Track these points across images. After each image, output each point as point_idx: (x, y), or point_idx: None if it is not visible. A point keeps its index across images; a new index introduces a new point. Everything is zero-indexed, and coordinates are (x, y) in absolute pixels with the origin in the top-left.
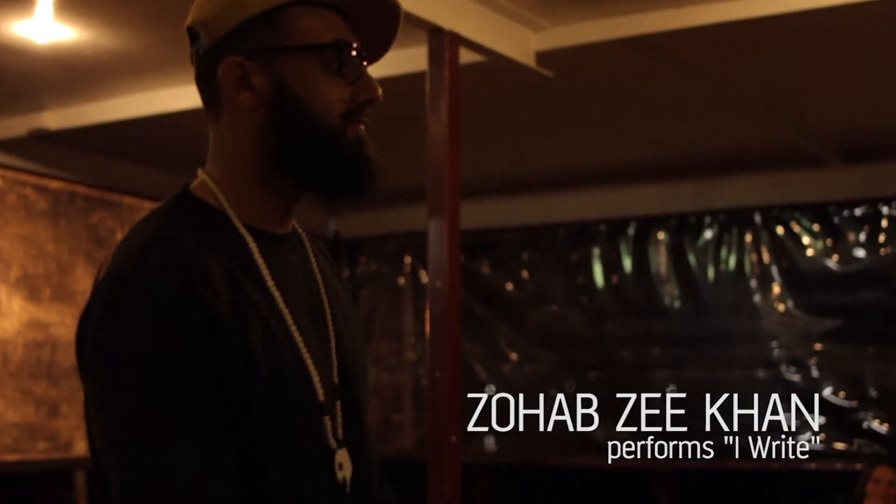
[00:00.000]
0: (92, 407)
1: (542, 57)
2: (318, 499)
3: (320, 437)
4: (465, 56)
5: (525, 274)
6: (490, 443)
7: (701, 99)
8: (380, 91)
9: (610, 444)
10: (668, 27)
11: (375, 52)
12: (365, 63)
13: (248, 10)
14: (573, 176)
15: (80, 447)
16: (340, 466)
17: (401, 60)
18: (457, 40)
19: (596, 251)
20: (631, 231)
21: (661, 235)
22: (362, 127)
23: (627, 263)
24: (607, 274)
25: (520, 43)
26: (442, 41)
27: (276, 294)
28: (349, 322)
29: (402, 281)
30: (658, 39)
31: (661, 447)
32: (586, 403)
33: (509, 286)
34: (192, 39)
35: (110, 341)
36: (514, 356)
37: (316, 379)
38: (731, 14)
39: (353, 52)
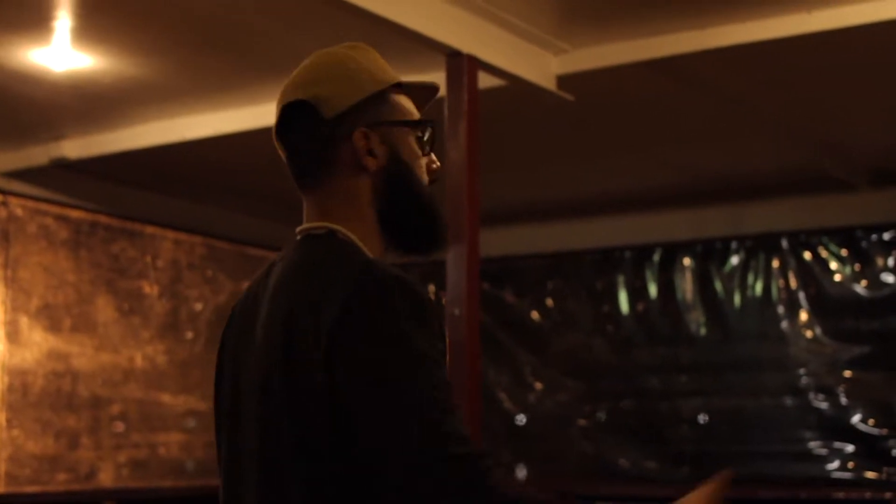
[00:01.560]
0: (359, 389)
1: (563, 81)
2: None
3: None
4: (485, 80)
5: (549, 301)
6: (521, 472)
7: (725, 122)
8: (439, 162)
9: (638, 472)
10: (692, 49)
11: None
12: None
13: (366, 90)
14: (597, 202)
15: (103, 478)
16: None
17: None
18: (476, 64)
19: (621, 278)
20: (656, 257)
21: (687, 262)
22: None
23: (653, 290)
24: (633, 301)
25: (540, 66)
26: (460, 65)
27: None
28: None
29: None
30: (681, 61)
31: (689, 476)
32: (613, 432)
33: (534, 314)
34: (299, 112)
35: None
36: (538, 385)
37: None
38: (754, 35)
39: (433, 128)
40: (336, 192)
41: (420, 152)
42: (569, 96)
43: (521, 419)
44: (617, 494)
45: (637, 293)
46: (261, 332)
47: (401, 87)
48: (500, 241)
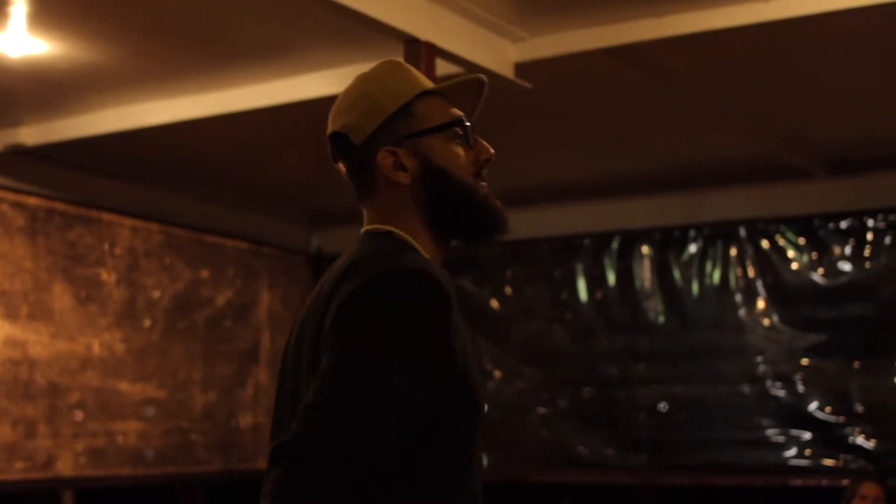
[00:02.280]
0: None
1: (521, 68)
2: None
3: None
4: (442, 67)
5: (508, 289)
6: (484, 461)
7: (683, 111)
8: (492, 150)
9: (596, 459)
10: (649, 36)
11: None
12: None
13: (388, 109)
14: (556, 190)
15: (61, 466)
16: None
17: None
18: (433, 51)
19: (580, 266)
20: (615, 245)
21: (646, 250)
22: (484, 184)
23: (612, 278)
24: (591, 289)
25: (498, 54)
26: (418, 52)
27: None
28: None
29: None
30: (639, 49)
31: (647, 463)
32: (572, 419)
33: (493, 302)
34: (338, 141)
35: (391, 317)
36: (497, 373)
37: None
38: (712, 23)
39: (468, 123)
40: (384, 206)
41: (460, 149)
42: (526, 84)
43: (493, 408)
44: (576, 481)
45: (595, 281)
46: (310, 316)
47: (434, 93)
48: None
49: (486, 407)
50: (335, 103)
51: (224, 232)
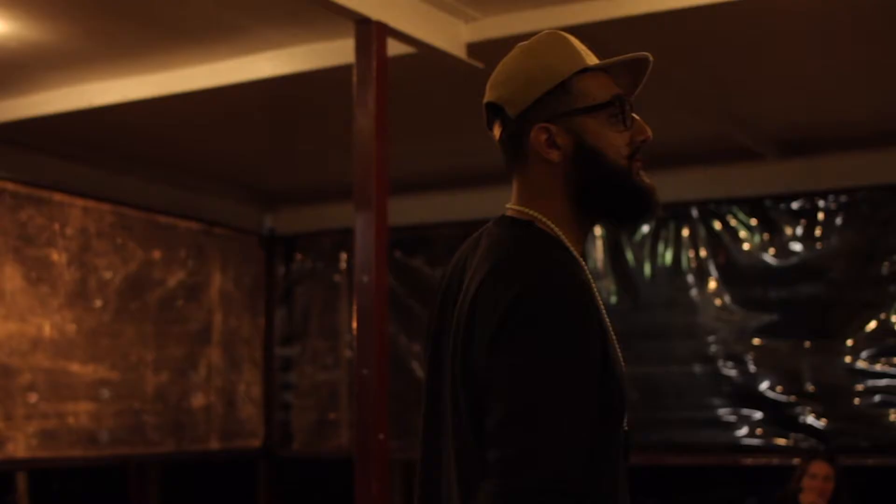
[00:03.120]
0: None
1: (473, 48)
2: (625, 470)
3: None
4: (395, 48)
5: None
6: None
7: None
8: (650, 131)
9: None
10: (599, 17)
11: (633, 92)
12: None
13: (545, 86)
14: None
15: (13, 448)
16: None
17: (328, 52)
18: (384, 31)
19: None
20: None
21: (598, 230)
22: (641, 164)
23: None
24: None
25: (450, 34)
26: (369, 32)
27: (601, 305)
28: None
29: (337, 278)
30: (589, 30)
31: None
32: None
33: None
34: (493, 112)
35: (544, 326)
36: None
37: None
38: (662, 5)
39: (628, 103)
40: (532, 181)
41: (617, 130)
42: (478, 64)
43: None
44: None
45: None
46: (460, 300)
47: (594, 70)
48: (413, 210)
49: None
50: (494, 72)
51: (176, 213)
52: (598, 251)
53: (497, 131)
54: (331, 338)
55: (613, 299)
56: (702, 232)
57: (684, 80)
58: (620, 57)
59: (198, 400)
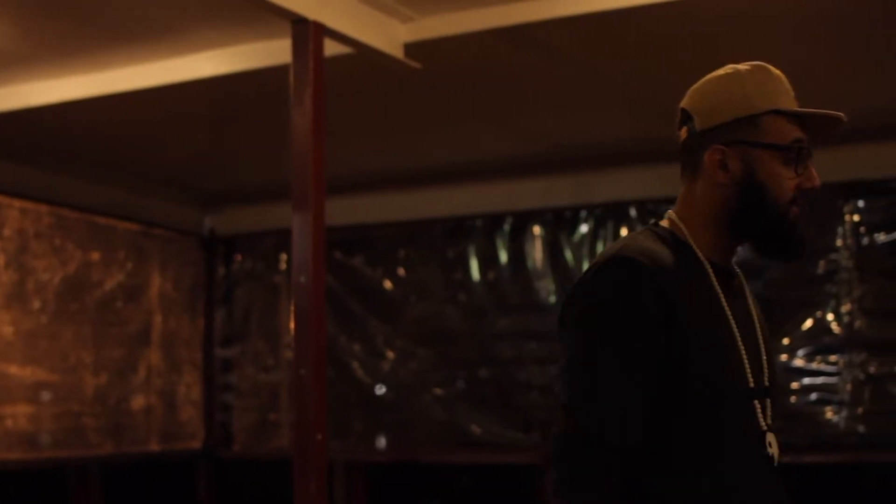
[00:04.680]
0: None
1: (410, 48)
2: (751, 461)
3: (751, 415)
4: (332, 48)
5: (401, 270)
6: (381, 442)
7: (575, 92)
8: (818, 182)
9: (490, 439)
10: (538, 17)
11: (818, 145)
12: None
13: (738, 112)
14: (448, 171)
15: None
16: (770, 444)
17: (266, 52)
18: (321, 31)
19: (472, 247)
20: (507, 226)
21: (537, 230)
22: (798, 210)
23: (504, 258)
24: (484, 269)
25: (387, 34)
26: (306, 32)
27: (723, 300)
28: (769, 340)
29: (278, 279)
30: (529, 30)
31: (540, 442)
32: (465, 399)
33: (386, 283)
34: (685, 117)
35: (595, 308)
36: (391, 354)
37: (748, 369)
38: (601, 4)
39: (808, 151)
40: (693, 193)
41: (788, 173)
42: (416, 64)
43: (380, 389)
44: (469, 461)
45: (488, 261)
46: None
47: (786, 113)
48: (352, 210)
49: (748, 384)
50: (701, 81)
51: (115, 213)
52: (538, 251)
53: (682, 136)
54: (271, 339)
55: (553, 299)
56: None
57: (623, 80)
58: (814, 111)
59: (137, 402)
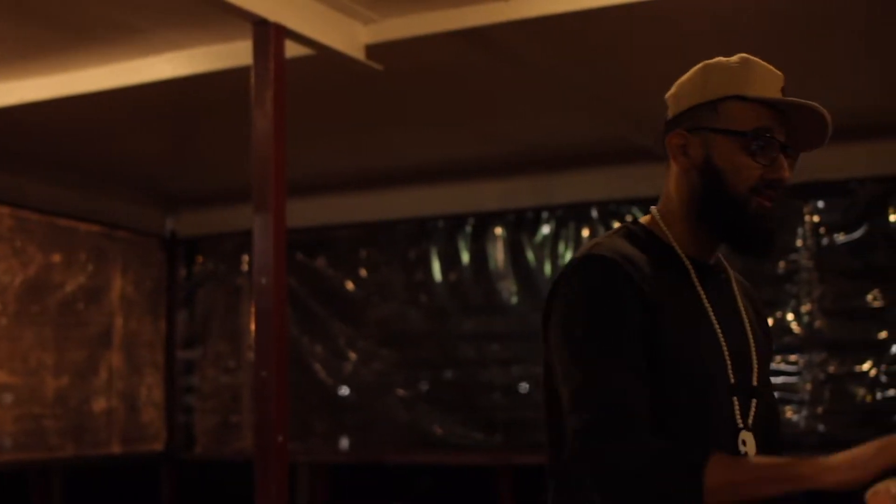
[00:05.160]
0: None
1: (371, 50)
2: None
3: (728, 411)
4: (293, 49)
5: (363, 271)
6: (345, 443)
7: (536, 94)
8: (787, 174)
9: (453, 440)
10: (498, 20)
11: (809, 144)
12: (792, 151)
13: (699, 98)
14: (410, 172)
15: None
16: (744, 443)
17: (227, 54)
18: (283, 33)
19: (434, 248)
20: (469, 227)
21: (499, 231)
22: (768, 202)
23: (466, 259)
24: (446, 271)
25: (349, 36)
26: (267, 33)
27: (704, 297)
28: (762, 336)
29: (239, 280)
30: (490, 32)
31: (502, 443)
32: (429, 401)
33: (348, 284)
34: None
35: (573, 307)
36: (353, 355)
37: (729, 365)
38: (559, 7)
39: (772, 140)
40: (670, 184)
41: (749, 162)
42: (377, 66)
43: (343, 390)
44: (432, 462)
45: (450, 263)
46: None
47: (759, 101)
48: (314, 211)
49: (728, 380)
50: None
51: (77, 215)
52: (499, 252)
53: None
54: (233, 340)
55: (514, 300)
56: (602, 232)
57: (583, 82)
58: (782, 98)
59: (99, 404)
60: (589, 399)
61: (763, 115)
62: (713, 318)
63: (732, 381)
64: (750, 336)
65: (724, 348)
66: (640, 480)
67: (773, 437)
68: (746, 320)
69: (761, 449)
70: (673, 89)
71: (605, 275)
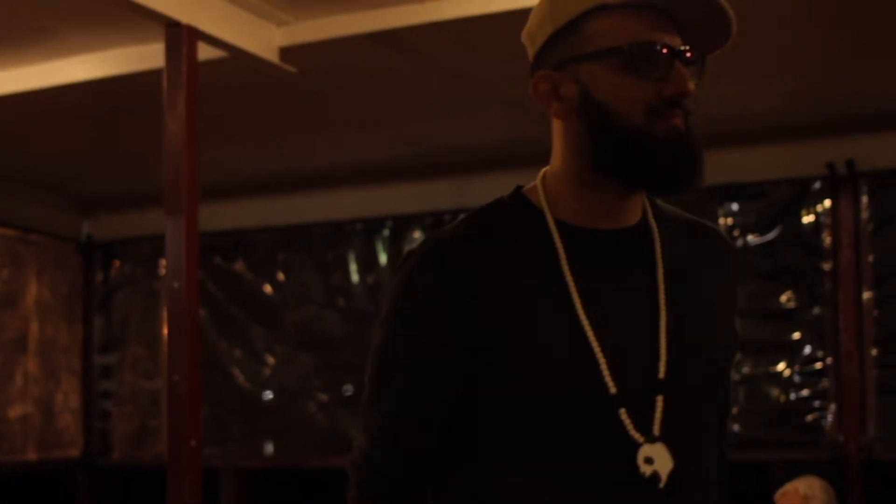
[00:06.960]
0: None
1: (285, 52)
2: (607, 486)
3: (610, 430)
4: (206, 52)
5: (281, 275)
6: (267, 448)
7: (452, 96)
8: (689, 84)
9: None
10: (412, 22)
11: (711, 43)
12: (690, 56)
13: (554, 24)
14: (327, 175)
15: None
16: (649, 461)
17: (141, 56)
18: (195, 35)
19: (352, 251)
20: (386, 231)
21: (417, 234)
22: (677, 121)
23: (384, 262)
24: (363, 273)
25: (262, 38)
26: (179, 36)
27: (571, 283)
28: (704, 317)
29: (157, 285)
30: (404, 35)
31: None
32: (347, 404)
33: (266, 287)
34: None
35: (380, 323)
36: (272, 359)
37: (604, 369)
38: (473, 9)
39: (658, 50)
40: (553, 138)
41: (636, 82)
42: (291, 68)
43: (267, 394)
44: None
45: (368, 266)
46: None
47: (623, 7)
48: (231, 215)
49: (605, 389)
50: None
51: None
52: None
53: None
54: (151, 345)
55: None
56: None
57: (497, 84)
58: None
59: (14, 410)
60: (360, 435)
61: (639, 22)
62: (579, 307)
63: (613, 389)
64: (662, 317)
65: (595, 347)
66: None
67: (710, 437)
68: (663, 298)
69: (688, 457)
70: (526, 28)
71: (417, 281)
